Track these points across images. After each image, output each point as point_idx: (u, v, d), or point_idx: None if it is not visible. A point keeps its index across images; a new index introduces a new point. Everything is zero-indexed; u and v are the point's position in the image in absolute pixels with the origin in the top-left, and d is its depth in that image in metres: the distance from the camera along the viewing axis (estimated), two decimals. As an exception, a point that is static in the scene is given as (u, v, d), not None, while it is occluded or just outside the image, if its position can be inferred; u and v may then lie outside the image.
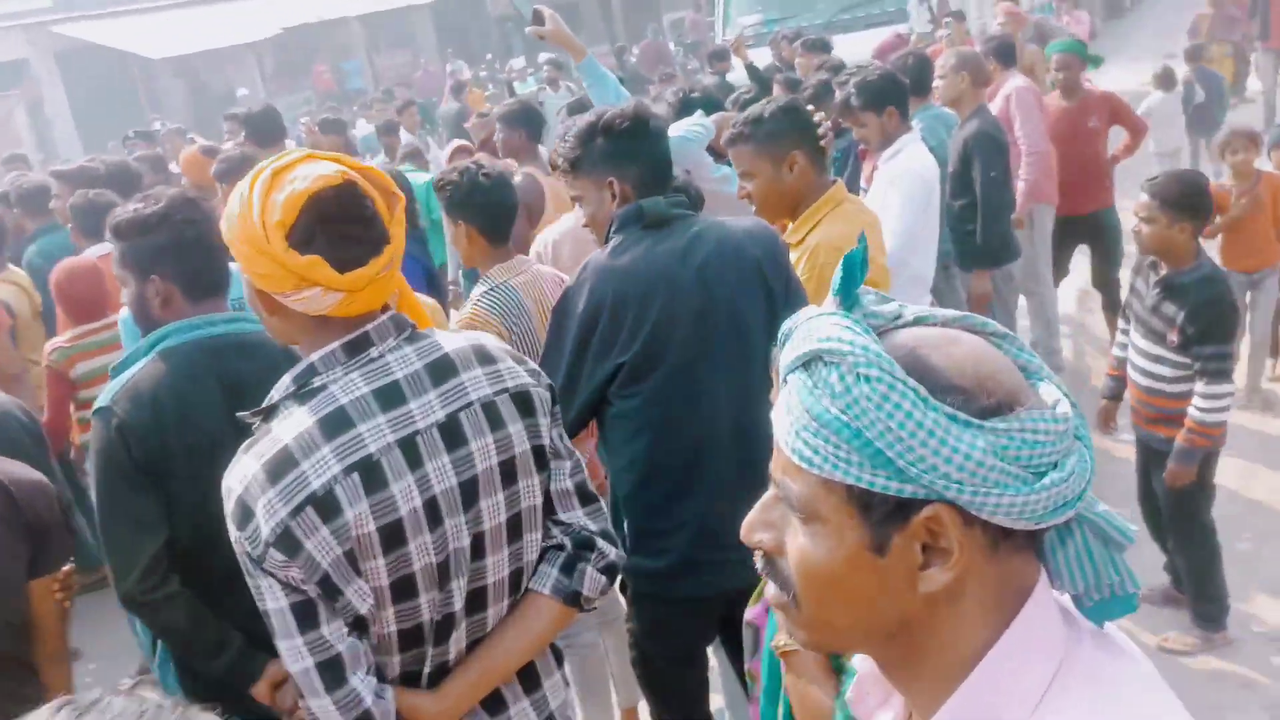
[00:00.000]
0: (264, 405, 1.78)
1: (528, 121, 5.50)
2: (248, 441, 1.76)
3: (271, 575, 1.67)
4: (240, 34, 24.68)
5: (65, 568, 2.52)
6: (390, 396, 1.74)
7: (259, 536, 1.66)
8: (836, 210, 3.34)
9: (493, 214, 3.41)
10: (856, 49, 9.31)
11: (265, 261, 1.68)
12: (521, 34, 24.50)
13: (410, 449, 1.72)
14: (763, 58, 9.59)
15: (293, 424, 1.71)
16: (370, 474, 1.68)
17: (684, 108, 5.12)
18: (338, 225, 1.69)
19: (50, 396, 4.83)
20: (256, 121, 6.29)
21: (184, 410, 2.39)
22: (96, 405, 2.41)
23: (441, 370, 1.80)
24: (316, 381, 1.75)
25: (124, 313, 3.82)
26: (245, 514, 1.68)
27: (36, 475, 2.52)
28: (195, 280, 2.52)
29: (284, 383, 1.78)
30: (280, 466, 1.67)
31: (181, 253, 2.50)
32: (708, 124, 4.68)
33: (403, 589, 1.74)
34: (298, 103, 23.26)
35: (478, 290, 3.42)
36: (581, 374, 2.65)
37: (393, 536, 1.70)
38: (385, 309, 1.82)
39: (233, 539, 1.71)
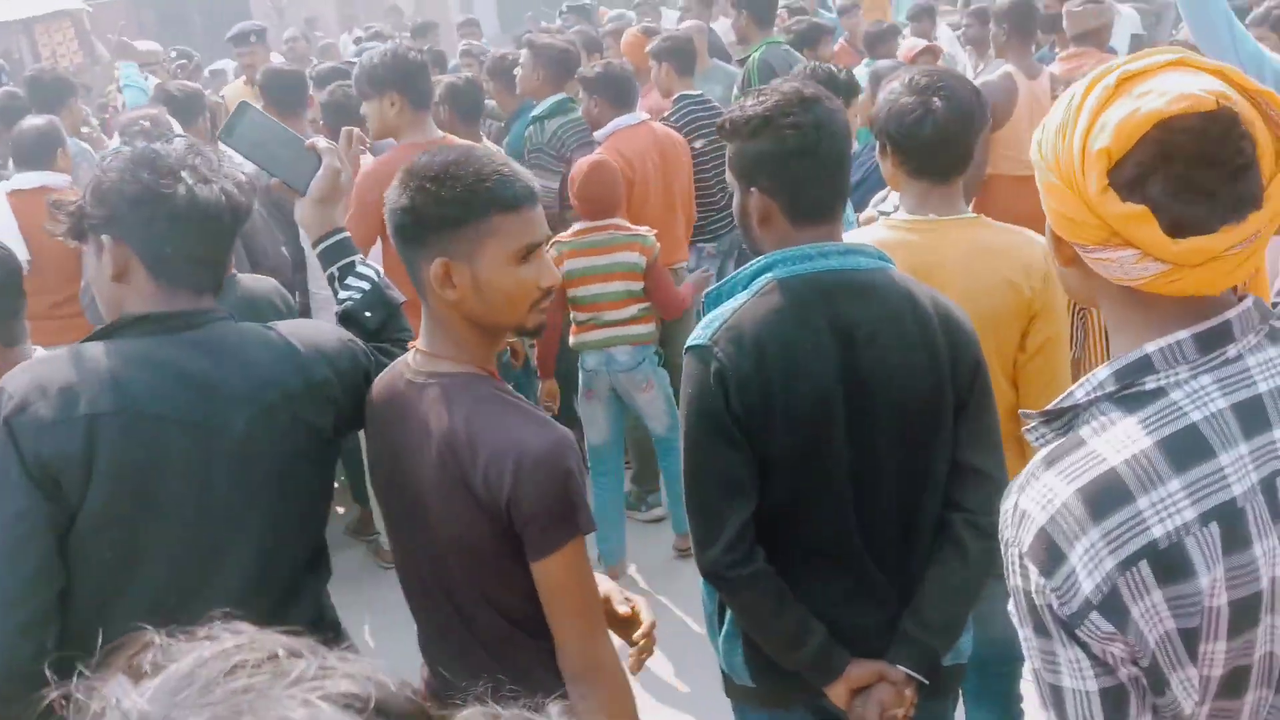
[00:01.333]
0: (1060, 406, 1.32)
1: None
2: (1046, 452, 1.30)
3: (1084, 646, 1.23)
4: None
5: None
6: (1254, 416, 1.25)
7: (1077, 591, 1.21)
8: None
9: None
10: None
11: (1070, 199, 1.25)
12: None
13: (1273, 493, 1.24)
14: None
15: (1121, 439, 1.25)
16: (1233, 525, 1.22)
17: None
18: (1188, 169, 1.20)
19: None
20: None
21: (791, 359, 2.05)
22: (692, 341, 2.11)
23: None
24: (1151, 382, 1.27)
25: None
26: (1055, 556, 1.23)
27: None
28: (798, 197, 2.11)
29: (1098, 377, 1.30)
30: (1107, 498, 1.22)
31: (783, 163, 2.08)
32: None
33: (1233, 684, 1.28)
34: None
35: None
36: None
37: (1245, 613, 1.23)
38: (1237, 292, 1.32)
39: (1028, 586, 1.26)
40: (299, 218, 2.27)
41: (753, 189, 2.14)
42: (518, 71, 5.60)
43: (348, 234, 2.28)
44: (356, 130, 2.53)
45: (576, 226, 4.50)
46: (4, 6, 17.05)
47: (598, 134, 5.03)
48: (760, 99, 2.12)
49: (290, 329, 2.05)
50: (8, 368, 1.91)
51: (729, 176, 2.21)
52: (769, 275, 2.12)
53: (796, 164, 2.09)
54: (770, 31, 6.45)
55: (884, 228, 2.72)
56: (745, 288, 2.14)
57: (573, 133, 5.24)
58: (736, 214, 2.22)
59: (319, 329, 2.13)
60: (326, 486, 2.13)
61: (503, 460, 1.77)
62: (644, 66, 6.01)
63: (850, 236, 2.74)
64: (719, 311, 2.13)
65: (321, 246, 2.25)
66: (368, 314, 2.21)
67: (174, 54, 8.31)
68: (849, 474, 2.09)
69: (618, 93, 4.99)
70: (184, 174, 1.87)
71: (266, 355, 1.95)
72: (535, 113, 5.37)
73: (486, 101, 6.05)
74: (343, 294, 2.23)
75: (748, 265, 2.17)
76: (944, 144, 2.57)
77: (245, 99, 2.68)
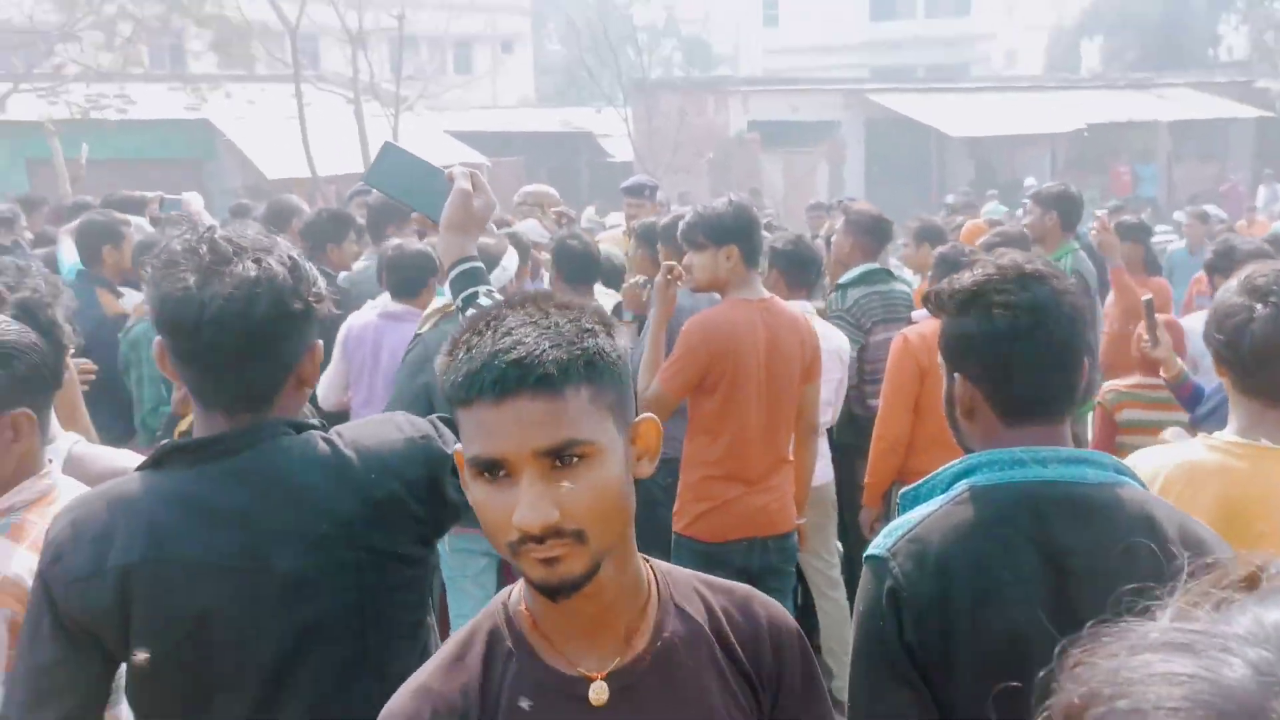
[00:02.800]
0: None
1: None
2: None
3: None
4: (1040, 124, 25.32)
5: None
6: None
7: None
8: None
9: None
10: None
11: None
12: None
13: None
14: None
15: None
16: None
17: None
18: None
19: (1096, 435, 4.59)
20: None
21: (982, 586, 1.69)
22: (869, 550, 1.78)
23: None
24: None
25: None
26: None
27: None
28: (1006, 388, 1.81)
29: None
30: None
31: (989, 347, 1.79)
32: None
33: None
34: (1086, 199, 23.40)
35: None
36: None
37: None
38: None
39: None
40: (438, 247, 2.17)
41: (957, 374, 1.86)
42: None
43: (479, 263, 2.12)
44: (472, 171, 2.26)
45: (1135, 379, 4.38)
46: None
47: (915, 314, 4.81)
48: (975, 271, 1.84)
49: (351, 436, 1.81)
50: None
51: (939, 358, 1.92)
52: (969, 480, 1.78)
53: (1004, 349, 1.78)
54: (1073, 236, 6.03)
55: (1203, 447, 2.30)
56: (944, 491, 1.82)
57: (877, 304, 5.08)
58: (944, 402, 1.92)
59: (383, 432, 1.86)
60: (414, 611, 1.86)
61: None
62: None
63: (1152, 454, 2.33)
64: (907, 517, 1.80)
65: (453, 274, 2.11)
66: None
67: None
68: None
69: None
70: (192, 274, 1.68)
71: (316, 478, 1.73)
72: (842, 279, 5.27)
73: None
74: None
75: (948, 466, 1.84)
76: (1272, 358, 2.16)
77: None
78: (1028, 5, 57.86)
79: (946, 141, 25.63)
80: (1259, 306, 2.16)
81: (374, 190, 3.82)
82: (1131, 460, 2.26)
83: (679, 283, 3.91)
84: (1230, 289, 2.25)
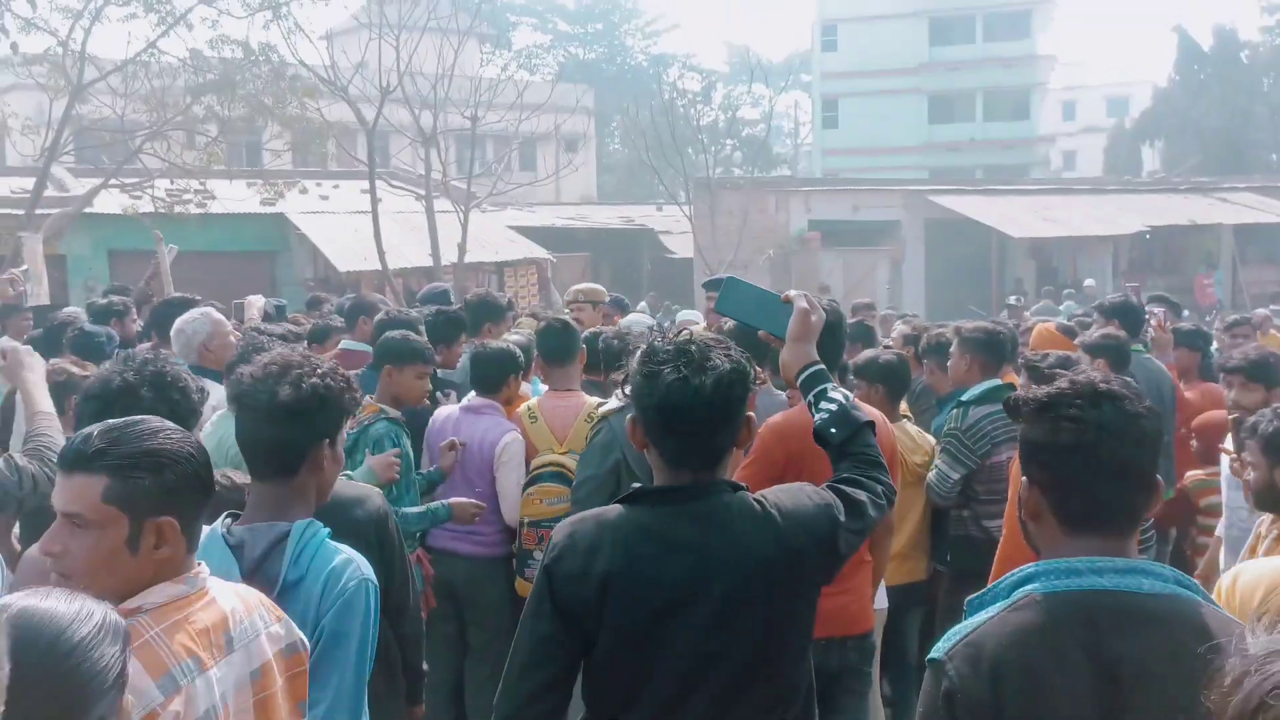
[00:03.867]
0: None
1: None
2: None
3: None
4: (1101, 226, 25.67)
5: None
6: None
7: None
8: None
9: None
10: None
11: None
12: None
13: None
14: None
15: None
16: None
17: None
18: None
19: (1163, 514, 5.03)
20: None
21: (1033, 693, 1.76)
22: (930, 654, 1.87)
23: None
24: None
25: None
26: None
27: None
28: (1068, 498, 1.87)
29: None
30: None
31: (1054, 457, 1.88)
32: None
33: None
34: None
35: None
36: None
37: None
38: None
39: None
40: (782, 358, 2.70)
41: (1026, 479, 1.94)
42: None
43: (822, 365, 2.67)
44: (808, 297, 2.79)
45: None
46: (484, 250, 19.53)
47: None
48: (1054, 384, 1.93)
49: (774, 499, 2.35)
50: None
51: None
52: (1028, 588, 1.84)
53: (1067, 462, 1.85)
54: (1136, 341, 6.04)
55: None
56: (1005, 598, 1.88)
57: (1000, 427, 4.78)
58: (1016, 504, 2.03)
59: (798, 498, 2.39)
60: (803, 637, 2.39)
61: None
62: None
63: (1262, 564, 2.35)
64: (967, 623, 1.88)
65: (802, 377, 2.64)
66: (833, 430, 2.55)
67: (609, 298, 9.10)
68: None
69: None
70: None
71: (749, 526, 2.27)
72: (964, 396, 5.06)
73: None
74: (817, 417, 2.58)
75: (1010, 574, 1.91)
76: None
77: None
78: (1086, 109, 58.23)
79: (1007, 242, 25.68)
80: None
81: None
82: (1241, 567, 2.29)
83: (760, 384, 3.99)
84: None
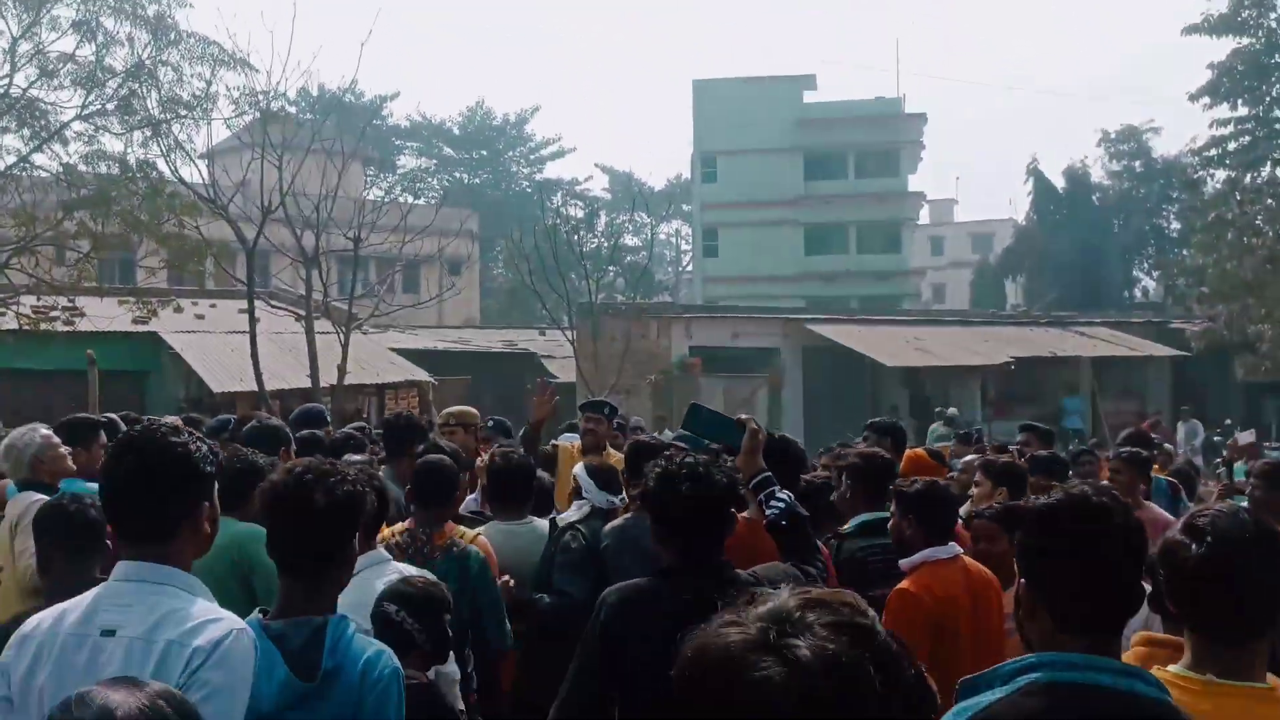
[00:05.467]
0: None
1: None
2: None
3: None
4: (971, 357, 26.67)
5: None
6: None
7: None
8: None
9: None
10: None
11: None
12: None
13: None
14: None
15: None
16: None
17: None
18: None
19: None
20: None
21: None
22: None
23: None
24: None
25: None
26: None
27: None
28: (1059, 601, 2.05)
29: None
30: None
31: (1048, 565, 2.07)
32: None
33: None
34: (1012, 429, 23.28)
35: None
36: None
37: None
38: None
39: None
40: (738, 464, 3.53)
41: (1022, 579, 2.13)
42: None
43: (769, 473, 3.62)
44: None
45: None
46: (364, 372, 19.27)
47: (904, 563, 4.26)
48: (1053, 496, 2.12)
49: (763, 574, 3.18)
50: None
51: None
52: (1032, 676, 1.97)
53: (1060, 569, 2.03)
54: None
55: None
56: (1004, 684, 2.00)
57: (878, 556, 4.58)
58: (1013, 600, 2.21)
59: (773, 573, 3.13)
60: None
61: None
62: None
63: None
64: (974, 701, 1.99)
65: (754, 481, 3.55)
66: (783, 523, 3.47)
67: (490, 423, 8.99)
68: None
69: (936, 519, 4.31)
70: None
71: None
72: (844, 528, 4.86)
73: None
74: (769, 511, 3.50)
75: (1007, 663, 2.04)
76: (1214, 583, 2.20)
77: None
78: (953, 244, 60.91)
79: (881, 369, 26.41)
80: (1194, 546, 2.22)
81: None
82: None
83: None
84: (1175, 529, 2.37)
